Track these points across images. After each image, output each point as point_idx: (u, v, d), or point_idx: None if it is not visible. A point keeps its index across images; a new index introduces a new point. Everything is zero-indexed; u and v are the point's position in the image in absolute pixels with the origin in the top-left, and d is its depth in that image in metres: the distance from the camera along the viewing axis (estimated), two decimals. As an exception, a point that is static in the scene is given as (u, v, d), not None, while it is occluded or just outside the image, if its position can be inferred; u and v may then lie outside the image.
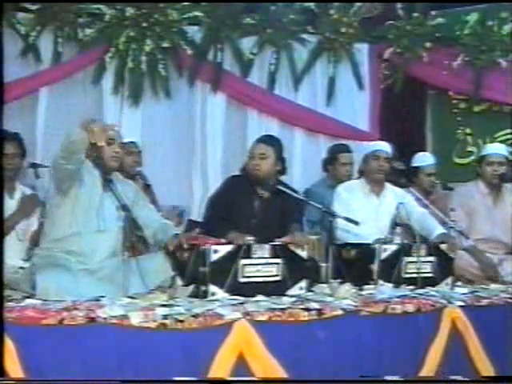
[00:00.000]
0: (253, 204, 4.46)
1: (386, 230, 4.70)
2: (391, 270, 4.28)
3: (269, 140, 4.63)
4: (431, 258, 4.42)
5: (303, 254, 4.03)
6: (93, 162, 4.03)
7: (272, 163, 4.50)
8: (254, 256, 3.84)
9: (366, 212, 4.83)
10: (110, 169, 4.06)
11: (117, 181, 4.09)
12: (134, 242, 4.35)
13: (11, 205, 4.37)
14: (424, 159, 5.72)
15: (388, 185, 5.02)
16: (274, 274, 3.90)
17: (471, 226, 5.14)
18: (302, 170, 6.42)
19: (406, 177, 5.50)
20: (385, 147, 5.05)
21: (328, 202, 4.88)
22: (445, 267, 4.47)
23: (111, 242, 4.00)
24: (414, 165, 5.68)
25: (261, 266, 3.86)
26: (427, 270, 4.40)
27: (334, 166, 5.83)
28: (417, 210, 4.87)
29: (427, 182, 5.57)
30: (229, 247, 3.79)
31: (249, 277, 3.81)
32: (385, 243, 4.43)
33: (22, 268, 4.30)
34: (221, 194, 4.62)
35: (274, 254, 3.90)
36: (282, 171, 4.61)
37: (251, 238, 4.04)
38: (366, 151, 5.09)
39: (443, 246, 4.51)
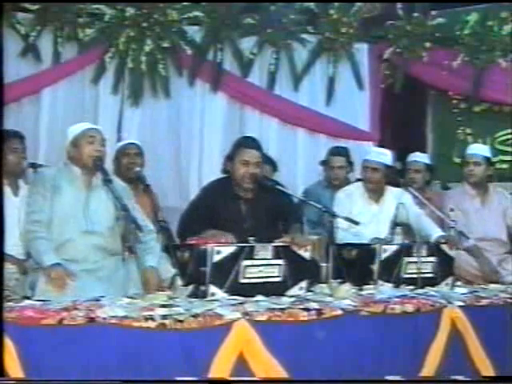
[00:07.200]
0: (239, 206, 4.37)
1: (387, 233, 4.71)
2: (391, 270, 4.28)
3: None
4: (432, 258, 4.42)
5: (306, 254, 4.01)
6: (75, 163, 4.05)
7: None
8: (257, 257, 3.83)
9: (366, 218, 4.81)
10: (91, 168, 4.03)
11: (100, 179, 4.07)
12: (132, 240, 4.33)
13: (15, 202, 4.37)
14: (411, 157, 5.71)
15: (388, 188, 5.01)
16: (276, 274, 3.89)
17: (466, 227, 5.15)
18: (303, 170, 6.43)
19: (401, 176, 5.51)
20: (376, 156, 5.02)
21: (325, 202, 4.88)
22: (445, 267, 4.47)
23: (103, 242, 4.00)
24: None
25: (263, 266, 3.84)
26: (428, 270, 4.39)
27: (325, 169, 5.85)
28: (413, 210, 4.85)
29: (409, 178, 5.54)
30: (231, 248, 3.76)
31: (250, 278, 3.79)
32: (383, 243, 4.44)
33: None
34: (205, 196, 4.52)
35: (277, 255, 3.89)
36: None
37: (231, 235, 4.02)
38: (363, 159, 5.11)
39: (444, 246, 4.51)
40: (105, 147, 4.12)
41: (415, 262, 4.31)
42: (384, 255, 4.27)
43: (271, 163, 5.71)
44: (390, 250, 4.30)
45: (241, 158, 4.29)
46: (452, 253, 4.53)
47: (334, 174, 5.71)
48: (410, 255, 4.33)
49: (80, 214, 3.97)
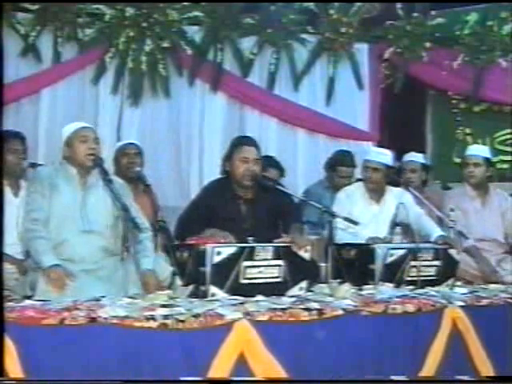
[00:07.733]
0: (239, 206, 4.33)
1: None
2: (395, 273, 4.27)
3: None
4: (437, 262, 4.41)
5: (306, 255, 4.00)
6: (70, 163, 4.04)
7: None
8: (257, 258, 3.82)
9: (367, 218, 4.81)
10: (87, 167, 4.03)
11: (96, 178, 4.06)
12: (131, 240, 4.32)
13: (16, 203, 4.37)
14: (407, 157, 5.69)
15: (388, 188, 5.00)
16: (276, 275, 3.88)
17: (466, 227, 5.15)
18: (303, 171, 6.43)
19: (400, 176, 5.51)
20: (377, 156, 5.02)
21: (326, 203, 4.88)
22: (449, 270, 4.46)
23: (101, 242, 3.99)
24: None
25: (263, 267, 3.83)
26: (431, 273, 4.38)
27: (332, 174, 5.84)
28: (414, 210, 4.85)
29: (405, 178, 5.54)
30: (232, 249, 3.75)
31: (250, 278, 3.79)
32: (381, 243, 4.44)
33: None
34: (205, 195, 4.48)
35: (277, 256, 3.88)
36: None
37: (229, 234, 4.01)
38: (363, 159, 5.11)
39: (450, 250, 4.50)
40: (99, 145, 4.09)
41: (419, 266, 4.30)
42: (390, 259, 4.26)
43: (278, 168, 5.72)
44: (396, 254, 4.29)
45: (240, 156, 4.28)
46: (457, 256, 4.53)
47: (341, 182, 5.70)
48: (415, 259, 4.31)
49: (77, 213, 3.96)
